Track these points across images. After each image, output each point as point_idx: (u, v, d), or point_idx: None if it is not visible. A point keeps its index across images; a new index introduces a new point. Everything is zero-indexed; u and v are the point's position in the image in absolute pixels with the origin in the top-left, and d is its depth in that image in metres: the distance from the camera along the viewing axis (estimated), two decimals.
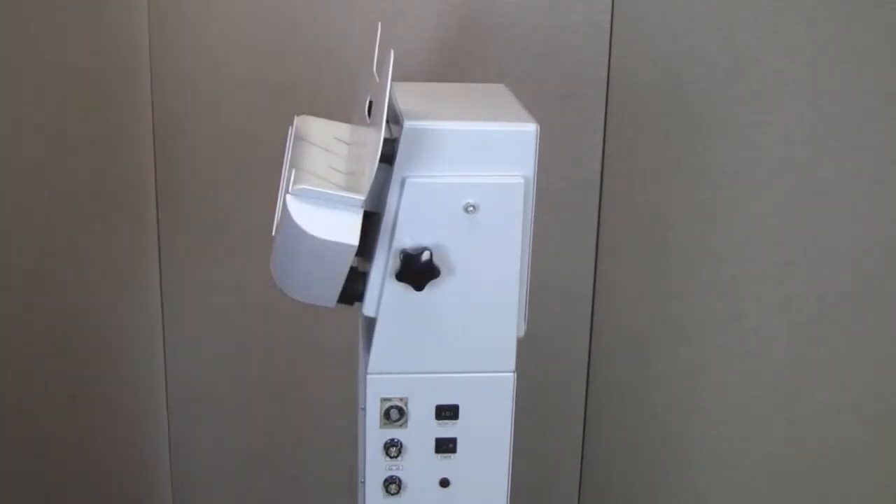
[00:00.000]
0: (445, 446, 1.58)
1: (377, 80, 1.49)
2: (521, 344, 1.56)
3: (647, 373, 2.29)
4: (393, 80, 1.44)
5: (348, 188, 1.41)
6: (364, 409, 1.58)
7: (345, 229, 1.38)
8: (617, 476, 2.37)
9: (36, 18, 2.08)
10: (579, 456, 2.36)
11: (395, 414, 1.56)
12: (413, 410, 1.56)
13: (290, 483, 2.40)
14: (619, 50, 2.11)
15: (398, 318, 1.51)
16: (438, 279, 1.47)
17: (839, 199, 2.16)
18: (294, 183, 1.40)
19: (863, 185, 2.15)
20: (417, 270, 1.46)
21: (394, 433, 1.57)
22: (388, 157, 1.42)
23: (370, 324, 1.55)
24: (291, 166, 1.49)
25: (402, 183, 1.44)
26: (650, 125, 2.15)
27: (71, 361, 2.28)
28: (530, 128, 1.46)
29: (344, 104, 1.68)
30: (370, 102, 1.49)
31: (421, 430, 1.57)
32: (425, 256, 1.45)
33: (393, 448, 1.57)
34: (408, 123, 1.43)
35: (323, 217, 1.38)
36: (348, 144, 1.61)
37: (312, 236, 1.37)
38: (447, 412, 1.56)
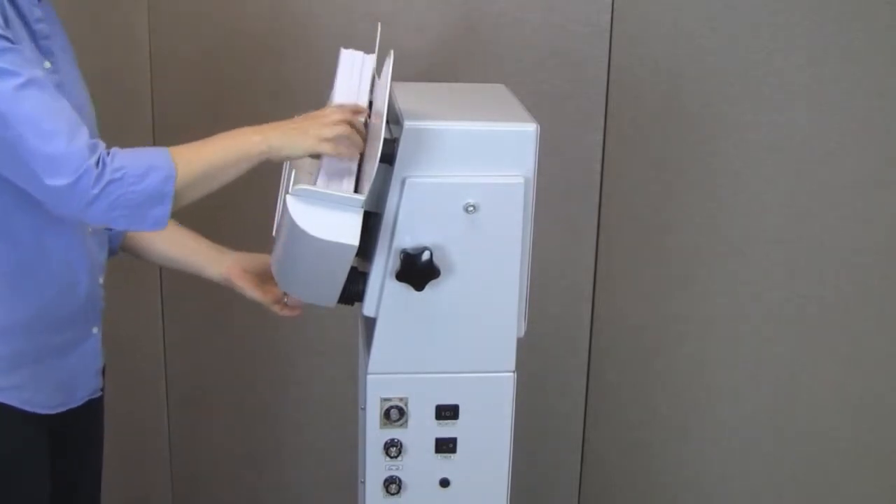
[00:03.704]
0: (445, 446, 1.58)
1: (377, 80, 1.49)
2: (521, 344, 1.56)
3: (647, 372, 2.29)
4: (393, 80, 1.44)
5: (348, 188, 1.41)
6: (364, 409, 1.58)
7: (345, 230, 1.38)
8: (617, 476, 2.37)
9: None
10: (579, 456, 2.36)
11: (395, 414, 1.56)
12: (413, 410, 1.56)
13: (290, 483, 2.40)
14: (619, 50, 2.11)
15: (398, 318, 1.51)
16: (438, 279, 1.47)
17: (839, 199, 2.16)
18: (294, 183, 1.40)
19: (863, 185, 2.15)
20: (417, 270, 1.46)
21: (394, 433, 1.57)
22: (388, 157, 1.43)
23: (370, 324, 1.55)
24: (291, 167, 1.49)
25: (403, 183, 1.44)
26: (650, 125, 2.15)
27: None
28: (530, 128, 1.46)
29: None
30: (370, 102, 1.49)
31: (421, 430, 1.57)
32: (425, 256, 1.45)
33: (393, 448, 1.57)
34: (408, 123, 1.43)
35: (323, 217, 1.38)
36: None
37: (313, 237, 1.37)
38: (447, 412, 1.56)
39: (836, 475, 2.31)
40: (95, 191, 1.30)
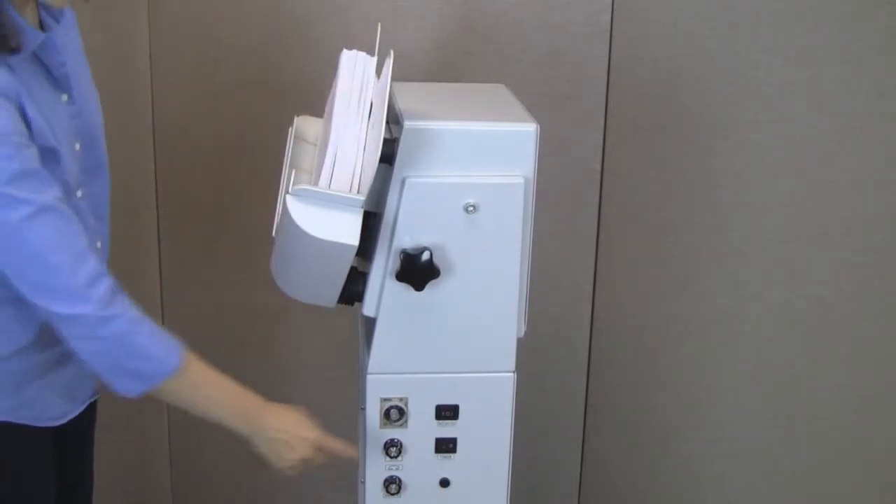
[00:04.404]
0: (445, 446, 1.58)
1: (377, 80, 1.49)
2: (521, 344, 1.56)
3: (647, 372, 2.29)
4: (393, 80, 1.45)
5: (348, 188, 1.41)
6: (364, 409, 1.58)
7: (345, 229, 1.38)
8: (617, 476, 2.37)
9: None
10: (579, 456, 2.36)
11: (395, 414, 1.56)
12: (413, 410, 1.56)
13: (290, 483, 2.40)
14: (619, 50, 2.11)
15: (398, 318, 1.51)
16: (438, 279, 1.47)
17: (839, 199, 2.16)
18: (294, 183, 1.40)
19: (863, 185, 2.15)
20: (417, 270, 1.46)
21: (394, 433, 1.57)
22: (388, 157, 1.43)
23: (370, 324, 1.55)
24: (291, 167, 1.49)
25: (402, 183, 1.44)
26: (650, 125, 2.15)
27: None
28: (530, 128, 1.46)
29: None
30: (371, 103, 1.49)
31: (421, 430, 1.57)
32: (425, 256, 1.46)
33: (393, 448, 1.57)
34: (408, 123, 1.43)
35: (323, 217, 1.38)
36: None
37: (313, 237, 1.37)
38: (447, 412, 1.56)
39: (836, 475, 2.31)
40: (103, 313, 1.33)
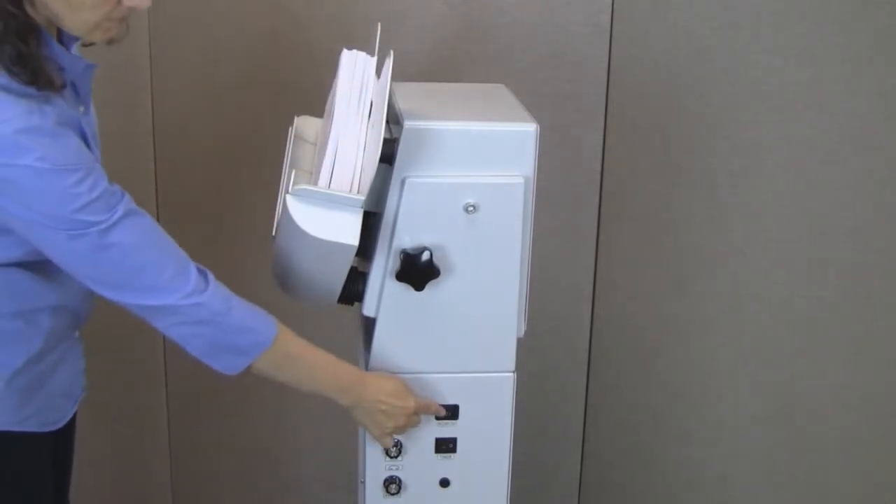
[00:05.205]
0: (445, 446, 1.58)
1: (377, 80, 1.49)
2: (521, 343, 1.56)
3: (647, 372, 2.29)
4: (393, 80, 1.45)
5: (348, 188, 1.41)
6: None
7: (345, 229, 1.38)
8: (617, 476, 2.37)
9: None
10: (579, 456, 2.36)
11: None
12: None
13: (290, 483, 2.40)
14: (619, 50, 2.11)
15: (398, 318, 1.51)
16: (438, 279, 1.47)
17: (839, 199, 2.16)
18: (294, 183, 1.40)
19: (863, 185, 2.15)
20: (417, 270, 1.46)
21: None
22: (388, 157, 1.43)
23: (370, 324, 1.55)
24: (291, 167, 1.49)
25: (402, 183, 1.44)
26: (650, 125, 2.15)
27: None
28: (530, 128, 1.46)
29: None
30: (371, 102, 1.49)
31: (421, 431, 1.57)
32: (425, 256, 1.46)
33: (393, 448, 1.57)
34: (408, 123, 1.43)
35: (323, 217, 1.38)
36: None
37: (313, 237, 1.37)
38: (447, 412, 1.56)
39: (836, 475, 2.31)
40: (195, 300, 1.35)
